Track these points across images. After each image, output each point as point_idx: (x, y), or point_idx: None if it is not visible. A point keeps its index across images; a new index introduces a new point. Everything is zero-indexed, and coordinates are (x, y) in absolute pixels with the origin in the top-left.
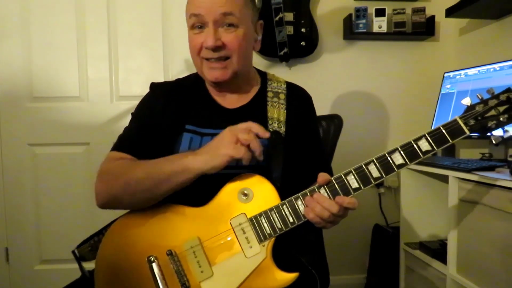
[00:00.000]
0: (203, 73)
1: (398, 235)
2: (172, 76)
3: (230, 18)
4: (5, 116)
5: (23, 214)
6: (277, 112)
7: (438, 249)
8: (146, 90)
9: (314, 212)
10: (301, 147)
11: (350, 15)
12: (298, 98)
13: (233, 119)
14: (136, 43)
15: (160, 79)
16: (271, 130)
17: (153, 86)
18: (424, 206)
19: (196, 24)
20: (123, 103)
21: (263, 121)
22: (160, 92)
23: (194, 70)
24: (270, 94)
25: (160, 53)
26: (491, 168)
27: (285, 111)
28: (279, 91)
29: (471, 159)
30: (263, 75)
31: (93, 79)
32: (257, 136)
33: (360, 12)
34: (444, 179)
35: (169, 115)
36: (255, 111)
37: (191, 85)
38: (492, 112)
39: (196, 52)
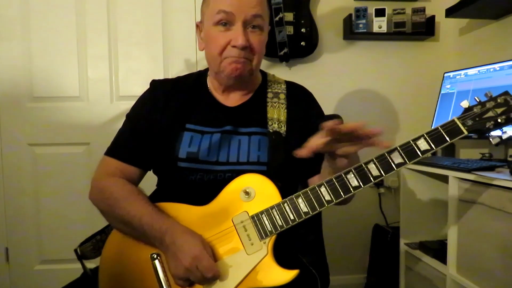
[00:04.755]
0: (220, 69)
1: (398, 235)
2: (172, 76)
3: (258, 20)
4: (5, 116)
5: (23, 214)
6: (277, 113)
7: (438, 249)
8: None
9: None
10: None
11: (350, 15)
12: (298, 96)
13: (233, 117)
14: (136, 43)
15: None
16: (271, 130)
17: (154, 83)
18: (424, 206)
19: (223, 21)
20: (123, 103)
21: (262, 121)
22: (161, 90)
23: (193, 70)
24: (270, 95)
25: (160, 53)
26: (491, 168)
27: (286, 111)
28: (279, 91)
29: (471, 159)
30: (263, 75)
31: (93, 79)
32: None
33: (360, 12)
34: (444, 179)
35: (169, 113)
36: (255, 109)
37: (192, 83)
38: (490, 114)
39: (219, 50)
